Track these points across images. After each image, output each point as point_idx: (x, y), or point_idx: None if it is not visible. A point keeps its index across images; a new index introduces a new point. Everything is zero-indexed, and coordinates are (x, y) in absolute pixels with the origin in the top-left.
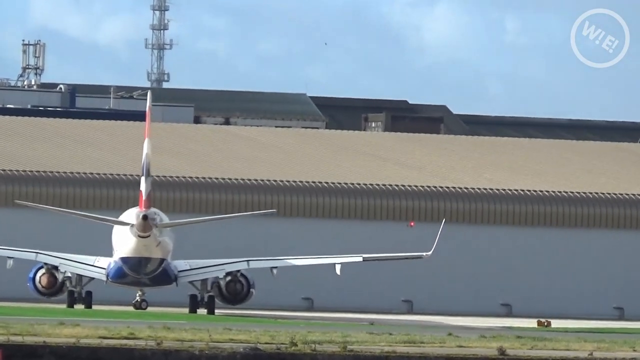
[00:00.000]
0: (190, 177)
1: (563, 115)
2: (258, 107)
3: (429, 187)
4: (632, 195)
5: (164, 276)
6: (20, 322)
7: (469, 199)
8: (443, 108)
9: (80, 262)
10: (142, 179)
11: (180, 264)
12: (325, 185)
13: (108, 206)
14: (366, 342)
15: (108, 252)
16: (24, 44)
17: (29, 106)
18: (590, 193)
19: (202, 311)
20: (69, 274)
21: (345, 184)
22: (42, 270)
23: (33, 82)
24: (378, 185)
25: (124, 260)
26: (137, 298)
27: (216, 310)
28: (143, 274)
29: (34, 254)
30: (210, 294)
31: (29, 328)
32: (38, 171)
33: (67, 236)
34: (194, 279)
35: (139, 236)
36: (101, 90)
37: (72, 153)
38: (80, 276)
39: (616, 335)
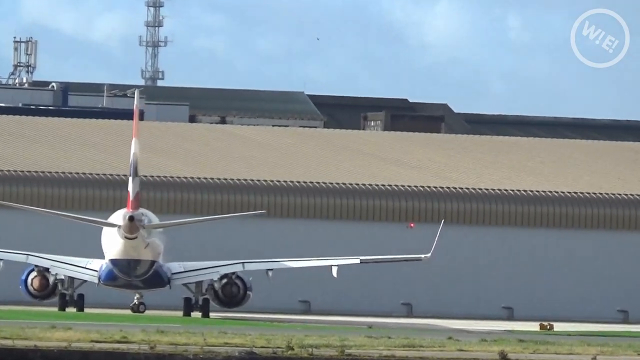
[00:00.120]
0: (186, 177)
1: (565, 114)
2: (255, 105)
3: (429, 187)
4: (635, 196)
5: (157, 278)
6: (10, 326)
7: (470, 199)
8: (444, 107)
9: (72, 264)
10: (130, 179)
11: (174, 266)
12: (324, 185)
13: (102, 207)
14: (364, 346)
15: (101, 254)
16: (15, 41)
17: (20, 105)
18: (594, 193)
19: (196, 314)
20: (61, 277)
21: (344, 184)
22: (34, 273)
23: (24, 80)
24: (377, 185)
25: (114, 262)
26: (135, 301)
27: (211, 314)
28: (134, 276)
29: (25, 255)
30: (205, 296)
31: (20, 332)
32: (30, 171)
33: (59, 237)
34: (188, 281)
35: (126, 237)
36: (94, 89)
37: (65, 153)
38: (72, 279)
39: (620, 338)
